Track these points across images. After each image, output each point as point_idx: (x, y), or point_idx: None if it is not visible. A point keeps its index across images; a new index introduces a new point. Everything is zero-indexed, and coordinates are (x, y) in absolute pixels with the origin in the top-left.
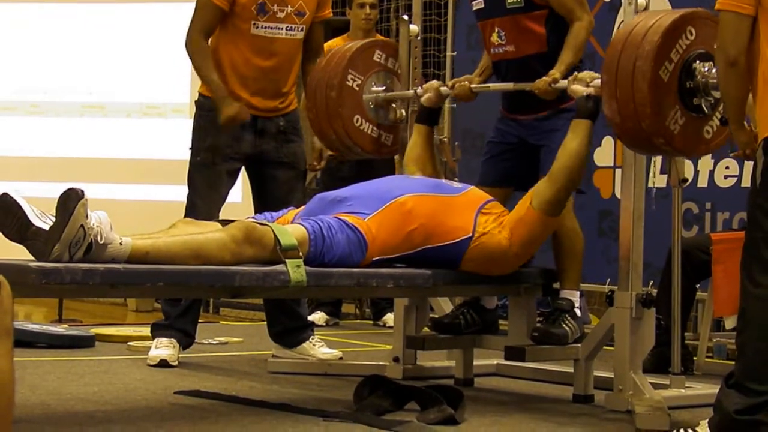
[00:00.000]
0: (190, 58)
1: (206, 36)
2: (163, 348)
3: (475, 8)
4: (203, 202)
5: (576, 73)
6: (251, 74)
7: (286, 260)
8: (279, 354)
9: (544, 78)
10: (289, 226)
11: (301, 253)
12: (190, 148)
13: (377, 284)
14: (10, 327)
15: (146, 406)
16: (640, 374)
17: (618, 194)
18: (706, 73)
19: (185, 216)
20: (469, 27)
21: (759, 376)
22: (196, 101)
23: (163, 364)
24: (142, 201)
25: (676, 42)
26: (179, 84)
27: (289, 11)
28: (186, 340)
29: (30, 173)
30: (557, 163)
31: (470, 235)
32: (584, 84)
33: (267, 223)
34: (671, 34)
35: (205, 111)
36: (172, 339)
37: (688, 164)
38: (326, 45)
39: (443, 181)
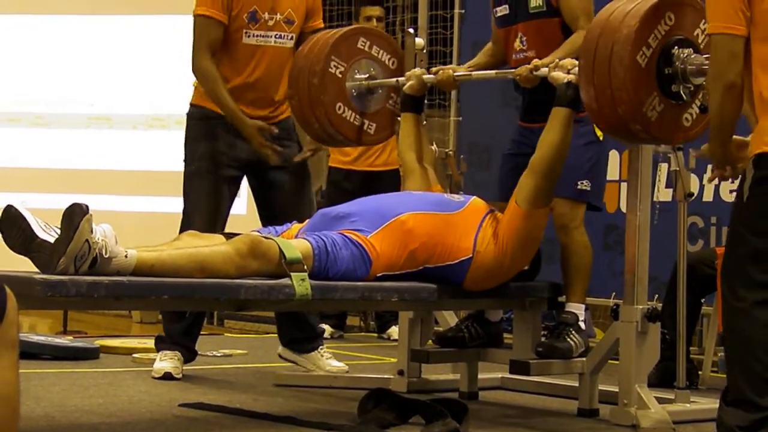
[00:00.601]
0: (201, 83)
1: (213, 53)
2: (168, 360)
3: (499, 14)
4: (199, 213)
5: (557, 60)
6: (242, 84)
7: (291, 274)
8: (285, 356)
9: (525, 66)
10: (294, 241)
11: (305, 267)
12: (184, 159)
13: (382, 298)
14: (16, 339)
15: (151, 418)
16: (645, 388)
17: (623, 208)
18: (685, 59)
19: (180, 229)
20: (475, 41)
21: (758, 390)
22: (187, 112)
23: (167, 376)
24: (146, 212)
25: (655, 27)
26: (183, 96)
27: (278, 19)
28: (189, 354)
29: (35, 184)
30: (537, 153)
31: (470, 255)
32: (565, 71)
33: (272, 236)
34: (650, 19)
35: (196, 120)
36: (176, 352)
37: (693, 178)
38: None
39: (445, 195)
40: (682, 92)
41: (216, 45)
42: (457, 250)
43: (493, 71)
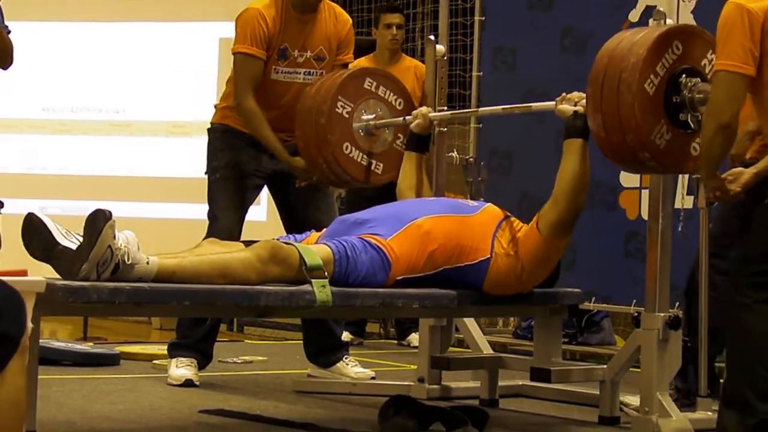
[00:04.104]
0: (245, 121)
1: (254, 90)
2: (185, 368)
3: None
4: (224, 214)
5: (564, 93)
6: (267, 116)
7: (312, 280)
8: (315, 374)
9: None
10: (314, 246)
11: (326, 273)
12: (206, 172)
13: (402, 304)
14: (26, 344)
15: (171, 425)
16: (666, 396)
17: (644, 215)
18: (692, 88)
19: (208, 230)
20: (495, 48)
21: (759, 394)
22: (208, 129)
23: (189, 383)
24: (167, 219)
25: (662, 56)
26: (204, 103)
27: (308, 56)
28: (204, 360)
29: (57, 191)
30: (557, 186)
31: (489, 256)
32: (572, 104)
33: (292, 242)
34: (657, 47)
35: (220, 133)
36: (192, 358)
37: None
38: (352, 65)
39: (460, 200)
40: (689, 121)
41: (257, 81)
42: (476, 251)
43: (500, 107)
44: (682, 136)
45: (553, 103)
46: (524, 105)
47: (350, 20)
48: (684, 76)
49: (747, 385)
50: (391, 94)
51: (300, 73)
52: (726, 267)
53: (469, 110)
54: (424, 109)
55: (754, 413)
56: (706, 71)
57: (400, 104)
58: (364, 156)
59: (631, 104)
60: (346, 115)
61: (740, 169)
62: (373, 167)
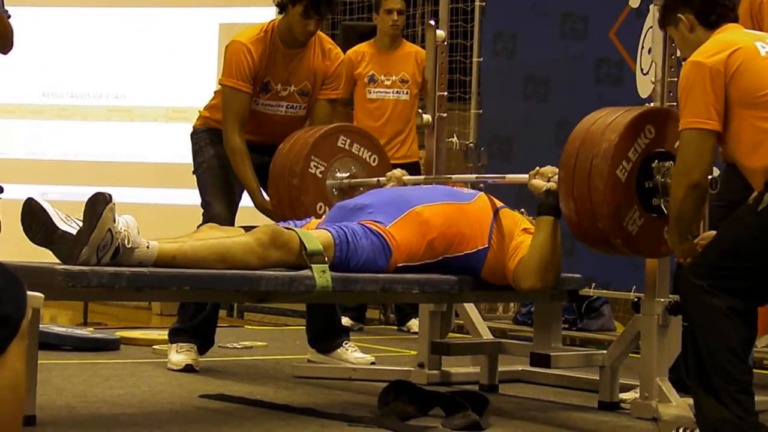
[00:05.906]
0: (230, 157)
1: (242, 125)
2: (185, 353)
3: None
4: (216, 200)
5: (538, 167)
6: (247, 137)
7: (312, 265)
8: (314, 359)
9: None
10: (315, 231)
11: (326, 258)
12: (194, 171)
13: (402, 290)
14: (26, 329)
15: (171, 409)
16: (666, 381)
17: None
18: (665, 172)
19: (202, 218)
20: (495, 34)
21: (725, 376)
22: (191, 133)
23: (188, 368)
24: (167, 204)
25: (635, 141)
26: (204, 88)
27: (291, 90)
28: (204, 346)
29: (57, 176)
30: (526, 258)
31: (486, 245)
32: (545, 179)
33: (293, 227)
34: (630, 132)
35: (203, 131)
36: (192, 344)
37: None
38: (352, 50)
39: (455, 188)
40: (662, 206)
41: (245, 114)
42: (474, 240)
43: (473, 175)
44: (654, 221)
45: (527, 176)
46: (498, 175)
47: (341, 56)
48: (656, 160)
49: (710, 364)
50: (365, 150)
51: (282, 106)
52: None
53: (444, 175)
54: (397, 172)
55: (723, 394)
56: None
57: (374, 161)
58: None
59: (603, 191)
60: (320, 175)
61: (711, 232)
62: None
